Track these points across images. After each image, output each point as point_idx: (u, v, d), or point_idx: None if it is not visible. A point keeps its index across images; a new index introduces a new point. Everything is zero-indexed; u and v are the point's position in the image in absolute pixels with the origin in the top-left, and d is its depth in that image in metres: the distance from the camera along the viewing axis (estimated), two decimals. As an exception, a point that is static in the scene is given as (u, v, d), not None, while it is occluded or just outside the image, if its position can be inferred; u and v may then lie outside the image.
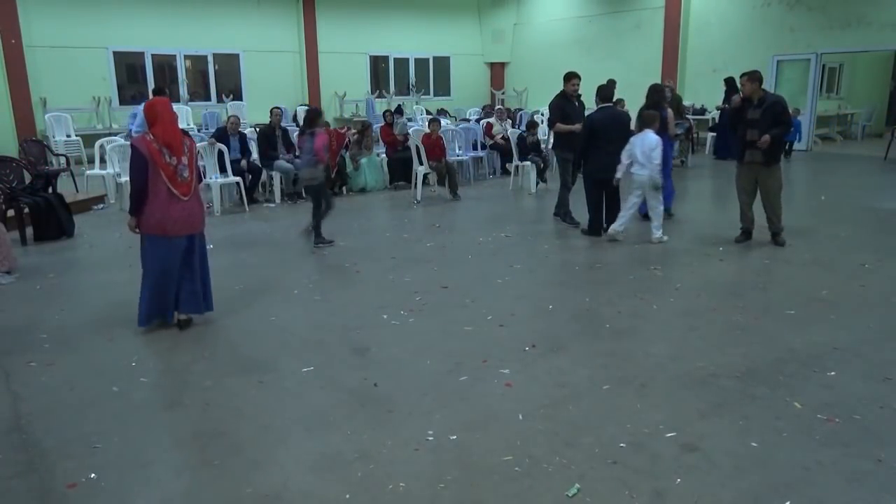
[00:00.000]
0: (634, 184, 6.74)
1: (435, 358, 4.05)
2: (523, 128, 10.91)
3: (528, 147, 10.10)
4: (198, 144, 8.82)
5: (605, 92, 7.11)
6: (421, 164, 9.57)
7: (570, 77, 7.46)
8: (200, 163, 8.96)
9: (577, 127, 7.20)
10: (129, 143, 7.02)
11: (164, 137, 4.21)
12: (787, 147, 12.52)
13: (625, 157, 6.69)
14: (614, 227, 6.85)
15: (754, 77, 6.35)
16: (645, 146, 6.56)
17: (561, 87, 7.52)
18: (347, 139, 10.19)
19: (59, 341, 4.40)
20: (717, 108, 13.65)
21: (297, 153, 9.26)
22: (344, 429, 3.24)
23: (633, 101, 11.78)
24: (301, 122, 10.06)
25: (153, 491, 2.78)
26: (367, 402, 3.51)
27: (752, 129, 6.30)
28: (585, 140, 6.88)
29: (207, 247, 4.73)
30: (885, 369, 3.78)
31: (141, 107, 7.52)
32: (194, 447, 3.10)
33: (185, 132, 4.54)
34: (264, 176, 9.52)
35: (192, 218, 4.41)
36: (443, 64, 19.48)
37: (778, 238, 6.55)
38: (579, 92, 7.53)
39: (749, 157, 6.42)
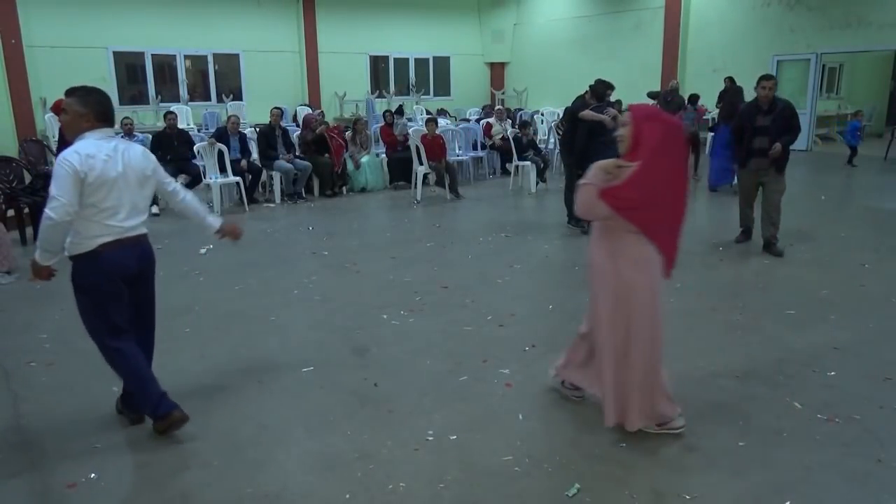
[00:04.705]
0: None
1: (435, 358, 4.05)
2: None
3: (525, 145, 10.12)
4: (198, 144, 8.95)
5: (599, 91, 7.14)
6: (421, 164, 9.57)
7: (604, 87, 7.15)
8: (200, 163, 9.01)
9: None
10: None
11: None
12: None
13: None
14: None
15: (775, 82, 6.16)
16: None
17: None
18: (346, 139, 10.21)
19: (59, 341, 4.40)
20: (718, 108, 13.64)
21: (297, 153, 9.36)
22: (344, 429, 3.24)
23: (634, 101, 11.80)
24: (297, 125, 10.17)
25: (153, 491, 2.79)
26: (367, 402, 3.51)
27: (762, 136, 6.02)
28: (586, 137, 6.89)
29: (208, 247, 6.12)
30: (885, 369, 3.78)
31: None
32: (194, 447, 3.09)
33: None
34: (264, 176, 9.52)
35: None
36: (443, 64, 19.47)
37: (773, 248, 6.24)
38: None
39: (755, 165, 6.16)
